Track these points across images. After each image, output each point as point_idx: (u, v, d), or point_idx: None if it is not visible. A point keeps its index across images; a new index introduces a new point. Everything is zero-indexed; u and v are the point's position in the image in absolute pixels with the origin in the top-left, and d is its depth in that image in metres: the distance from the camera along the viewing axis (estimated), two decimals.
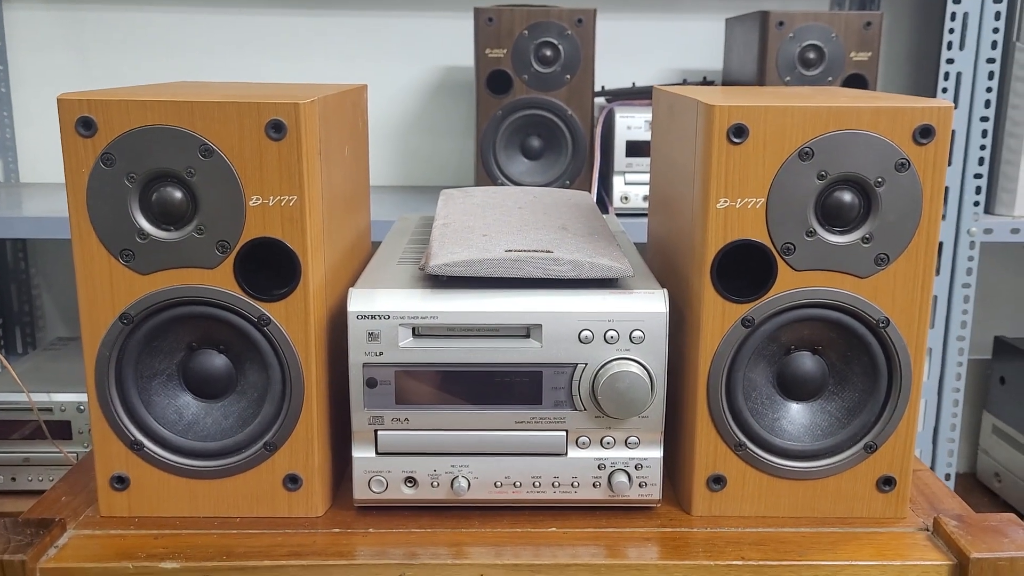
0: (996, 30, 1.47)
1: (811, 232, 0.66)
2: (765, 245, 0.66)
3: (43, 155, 1.74)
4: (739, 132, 0.64)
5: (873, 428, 0.69)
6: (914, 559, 0.65)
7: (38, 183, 1.73)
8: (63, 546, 0.66)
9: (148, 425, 0.69)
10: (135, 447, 0.69)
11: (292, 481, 0.70)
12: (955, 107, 1.50)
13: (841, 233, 0.67)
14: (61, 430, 1.39)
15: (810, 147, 0.65)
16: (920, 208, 0.66)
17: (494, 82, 1.43)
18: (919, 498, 0.74)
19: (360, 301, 0.67)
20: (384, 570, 0.65)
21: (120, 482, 0.69)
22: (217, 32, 1.70)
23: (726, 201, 0.66)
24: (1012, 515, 0.68)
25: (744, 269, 0.67)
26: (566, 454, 0.70)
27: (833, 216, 0.66)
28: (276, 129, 0.64)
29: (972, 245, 1.53)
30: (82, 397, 1.38)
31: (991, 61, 1.48)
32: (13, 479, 1.39)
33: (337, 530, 0.69)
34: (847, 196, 0.66)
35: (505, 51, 1.41)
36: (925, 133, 0.65)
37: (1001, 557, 0.63)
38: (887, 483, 0.70)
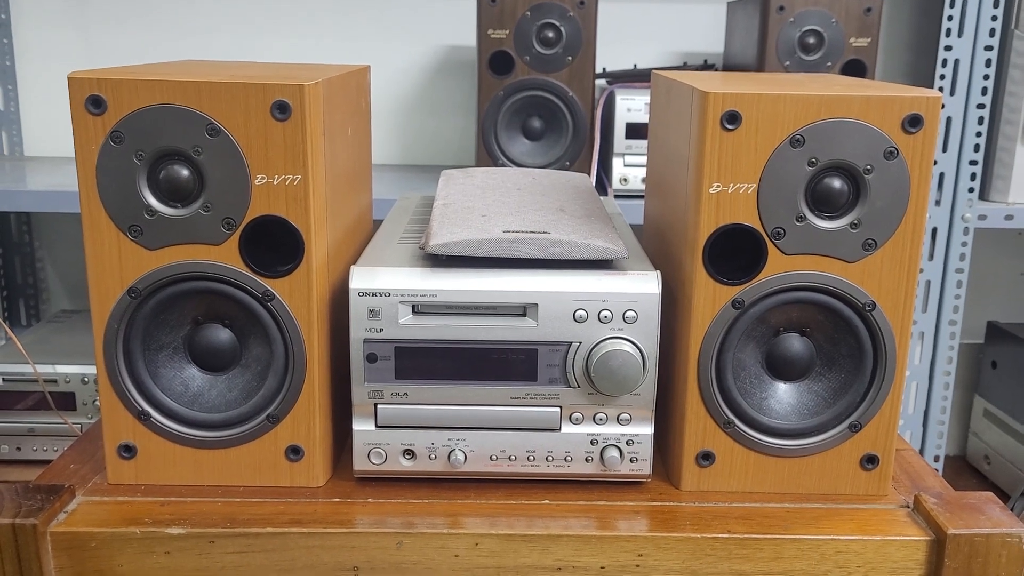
0: (995, 18, 1.48)
1: (801, 217, 0.68)
2: (756, 229, 0.68)
3: (47, 129, 1.75)
4: (732, 119, 0.66)
5: (858, 408, 0.71)
6: (894, 534, 0.67)
7: (42, 157, 1.75)
8: (72, 511, 0.68)
9: (155, 396, 0.71)
10: (142, 417, 0.71)
11: (294, 452, 0.72)
12: (952, 94, 1.51)
13: (830, 219, 0.68)
14: (65, 401, 1.41)
15: (801, 134, 0.66)
16: (908, 195, 0.68)
17: (496, 63, 1.44)
18: (902, 476, 0.76)
19: (362, 278, 0.69)
20: (382, 538, 0.67)
21: (127, 451, 0.72)
22: (220, 11, 1.71)
23: (719, 186, 0.67)
24: (990, 494, 0.70)
25: (735, 252, 0.69)
26: (560, 429, 0.72)
27: (823, 202, 0.68)
28: (281, 110, 0.65)
29: (966, 231, 1.54)
30: (86, 369, 1.40)
31: (989, 48, 1.49)
32: (18, 448, 1.42)
33: (337, 499, 0.71)
34: (837, 183, 0.68)
35: (507, 32, 1.42)
36: (914, 122, 0.66)
37: (978, 533, 0.65)
38: (870, 461, 0.72)
